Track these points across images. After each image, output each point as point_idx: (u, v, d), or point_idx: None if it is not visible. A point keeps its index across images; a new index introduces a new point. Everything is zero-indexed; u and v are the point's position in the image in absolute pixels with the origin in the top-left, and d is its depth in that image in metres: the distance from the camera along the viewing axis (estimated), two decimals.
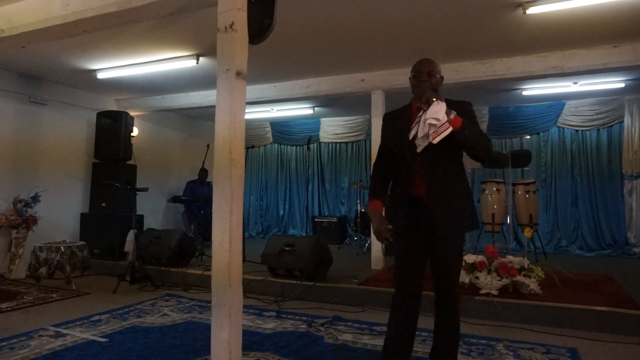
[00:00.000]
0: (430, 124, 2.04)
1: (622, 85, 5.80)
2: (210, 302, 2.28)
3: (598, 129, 6.85)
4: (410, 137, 2.13)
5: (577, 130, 6.98)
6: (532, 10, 3.45)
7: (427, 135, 2.05)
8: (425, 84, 2.21)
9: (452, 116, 2.03)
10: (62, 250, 4.59)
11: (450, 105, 2.17)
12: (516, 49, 4.43)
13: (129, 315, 3.71)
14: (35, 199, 5.26)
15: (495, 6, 3.50)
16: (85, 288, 4.63)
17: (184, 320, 3.58)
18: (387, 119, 2.40)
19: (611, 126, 6.77)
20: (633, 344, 3.00)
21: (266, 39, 2.50)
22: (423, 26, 3.92)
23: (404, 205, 2.25)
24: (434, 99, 2.05)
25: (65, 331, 3.23)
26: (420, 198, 2.18)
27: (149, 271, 4.95)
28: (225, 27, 2.31)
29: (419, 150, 2.12)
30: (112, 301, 4.13)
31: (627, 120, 6.55)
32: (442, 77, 2.30)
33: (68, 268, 4.58)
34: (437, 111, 2.02)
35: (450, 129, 2.02)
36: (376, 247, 5.19)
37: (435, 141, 2.01)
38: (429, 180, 2.15)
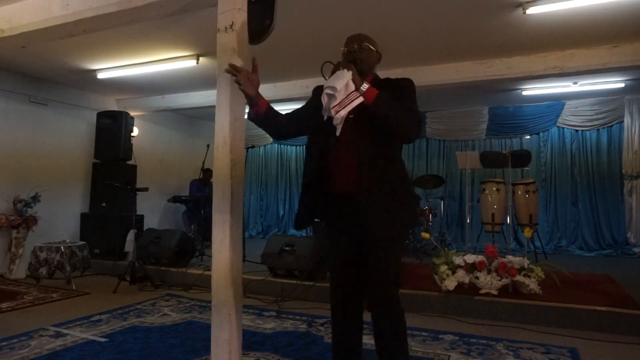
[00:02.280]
0: (328, 94, 1.75)
1: (622, 85, 5.80)
2: (210, 302, 2.28)
3: (598, 129, 6.85)
4: (325, 118, 1.81)
5: (577, 130, 6.98)
6: (532, 10, 3.45)
7: (329, 110, 1.76)
8: (355, 55, 1.92)
9: (364, 87, 1.73)
10: (62, 250, 4.59)
11: (388, 82, 1.91)
12: (516, 49, 4.43)
13: (129, 315, 3.71)
14: (35, 198, 5.26)
15: (495, 6, 3.50)
16: (85, 288, 4.63)
17: (184, 320, 3.58)
18: (316, 91, 2.00)
19: (611, 126, 6.77)
20: (633, 344, 3.00)
21: (266, 39, 2.51)
22: (423, 26, 3.92)
23: (324, 202, 1.95)
24: (341, 68, 1.77)
25: (65, 331, 3.23)
26: (344, 194, 1.87)
27: (149, 271, 4.95)
28: (225, 27, 2.31)
29: (337, 132, 1.80)
30: (112, 301, 4.13)
31: (627, 120, 6.55)
32: (377, 52, 2.00)
33: (68, 268, 4.58)
34: (335, 79, 1.74)
35: (360, 100, 1.72)
36: None
37: (339, 115, 1.72)
38: (357, 171, 1.82)
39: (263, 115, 1.90)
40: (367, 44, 1.94)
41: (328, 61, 1.88)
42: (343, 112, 1.72)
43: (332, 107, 1.72)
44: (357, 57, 1.91)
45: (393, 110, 1.74)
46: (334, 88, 1.71)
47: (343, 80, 1.71)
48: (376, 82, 1.92)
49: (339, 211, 1.93)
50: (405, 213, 1.88)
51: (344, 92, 1.71)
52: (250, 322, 3.50)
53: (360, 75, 1.81)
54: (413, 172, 7.66)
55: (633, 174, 6.49)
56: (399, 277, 1.91)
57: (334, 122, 1.75)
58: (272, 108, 1.93)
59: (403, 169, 1.96)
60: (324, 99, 1.78)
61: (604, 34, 4.02)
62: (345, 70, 1.74)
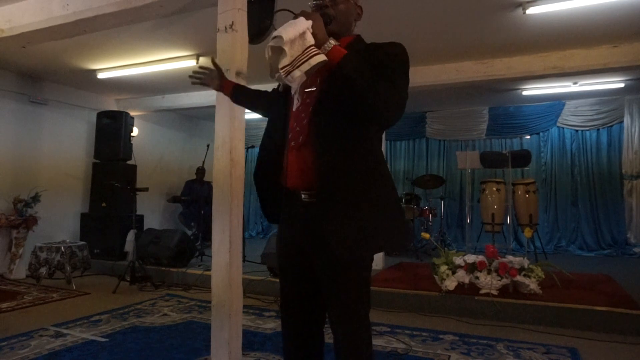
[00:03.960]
0: (272, 47, 1.24)
1: (622, 85, 5.80)
2: (210, 302, 2.29)
3: (598, 129, 6.85)
4: (280, 88, 1.36)
5: (577, 130, 6.98)
6: (532, 10, 3.46)
7: (276, 71, 1.26)
8: (326, 12, 1.44)
9: (329, 44, 1.27)
10: (62, 250, 4.59)
11: (371, 46, 1.44)
12: (516, 49, 4.43)
13: (129, 315, 3.70)
14: (35, 198, 5.26)
15: (495, 6, 3.50)
16: (85, 288, 4.63)
17: (184, 320, 3.58)
18: None
19: (611, 126, 6.77)
20: (633, 344, 3.00)
21: (266, 39, 2.51)
22: (423, 26, 3.92)
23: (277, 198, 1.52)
24: (301, 16, 1.27)
25: (65, 331, 3.23)
26: (295, 192, 1.42)
27: (149, 271, 4.95)
28: (225, 27, 2.31)
29: (294, 106, 1.38)
30: (112, 301, 4.13)
31: (627, 120, 6.56)
32: (357, 6, 1.57)
33: (68, 268, 4.58)
34: (285, 27, 1.22)
35: (321, 58, 1.22)
36: None
37: (292, 77, 1.22)
38: (319, 165, 1.34)
39: (231, 98, 1.79)
40: None
41: (284, 8, 1.36)
42: (297, 73, 1.21)
43: (282, 68, 1.21)
44: (328, 13, 1.43)
45: (365, 75, 1.25)
46: (279, 38, 1.19)
47: (296, 28, 1.20)
48: (357, 45, 1.48)
49: (289, 212, 1.48)
50: (386, 228, 1.37)
51: (299, 46, 1.20)
52: (250, 322, 3.50)
53: (333, 37, 1.35)
54: (413, 172, 7.67)
55: (633, 174, 6.49)
56: (367, 307, 1.42)
57: (291, 85, 1.28)
58: (239, 87, 1.79)
59: (384, 169, 1.43)
60: (267, 54, 1.28)
61: (604, 34, 4.02)
62: (303, 18, 1.25)
